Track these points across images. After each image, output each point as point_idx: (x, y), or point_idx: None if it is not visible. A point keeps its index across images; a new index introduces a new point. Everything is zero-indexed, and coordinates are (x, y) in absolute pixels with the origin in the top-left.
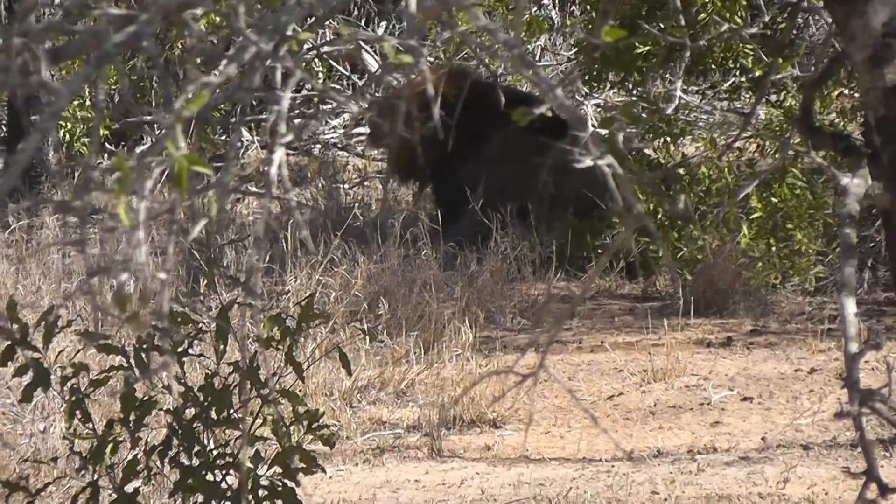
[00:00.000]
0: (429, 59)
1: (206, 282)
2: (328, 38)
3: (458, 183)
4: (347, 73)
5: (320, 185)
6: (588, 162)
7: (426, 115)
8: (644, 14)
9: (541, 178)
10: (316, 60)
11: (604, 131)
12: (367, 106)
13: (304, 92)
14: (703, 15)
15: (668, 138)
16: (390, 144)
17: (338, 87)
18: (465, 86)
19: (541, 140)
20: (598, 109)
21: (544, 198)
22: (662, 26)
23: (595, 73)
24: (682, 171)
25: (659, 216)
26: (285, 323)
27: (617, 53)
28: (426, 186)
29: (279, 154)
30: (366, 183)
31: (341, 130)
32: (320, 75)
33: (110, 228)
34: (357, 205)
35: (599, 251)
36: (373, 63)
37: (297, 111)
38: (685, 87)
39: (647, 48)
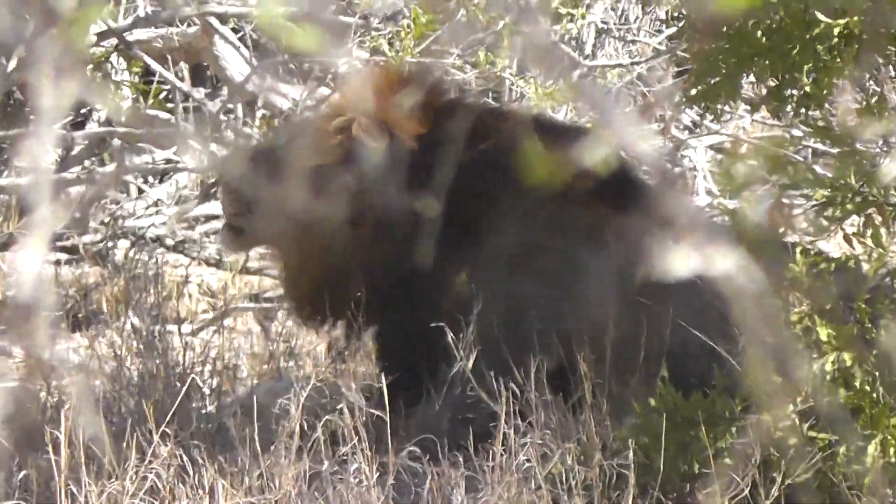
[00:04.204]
0: (362, 48)
1: None
2: (144, 11)
3: (426, 318)
4: (184, 86)
5: (129, 325)
6: (689, 267)
7: (356, 178)
8: None
9: (598, 303)
10: (117, 58)
11: (729, 202)
12: (226, 158)
13: (94, 127)
14: None
15: (879, 214)
16: (279, 241)
17: (165, 114)
18: (445, 111)
19: (596, 221)
20: (720, 155)
21: (607, 346)
22: None
23: (713, 79)
24: None
25: (860, 380)
26: None
27: (764, 36)
28: (360, 328)
29: (34, 262)
30: (227, 322)
31: (172, 210)
32: (126, 90)
33: None
34: (209, 367)
35: (726, 457)
36: (236, 62)
37: (80, 170)
38: None
39: (836, 25)
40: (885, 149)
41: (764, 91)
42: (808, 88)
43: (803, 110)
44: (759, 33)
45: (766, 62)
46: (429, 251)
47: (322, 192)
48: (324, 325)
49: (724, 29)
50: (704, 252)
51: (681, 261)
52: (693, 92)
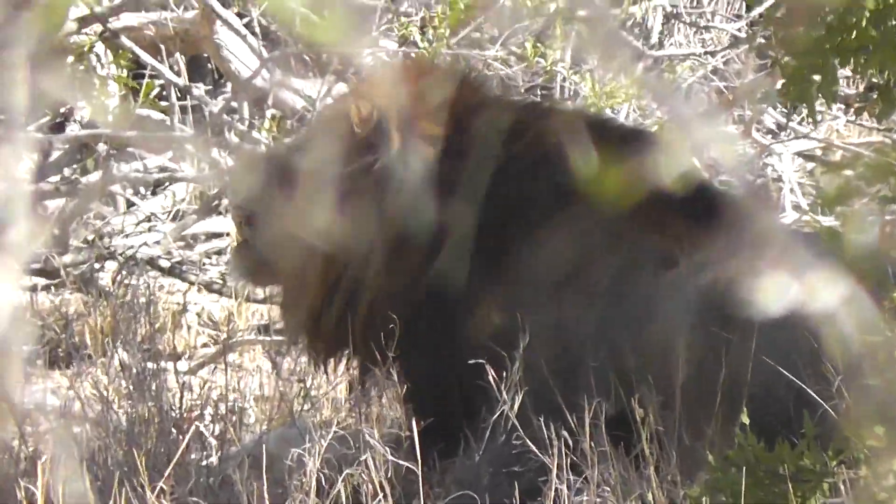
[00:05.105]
0: (389, 38)
1: None
2: None
3: (460, 353)
4: (181, 81)
5: (117, 361)
6: (786, 299)
7: (374, 187)
8: None
9: (666, 338)
10: (102, 50)
11: (829, 220)
12: (229, 168)
13: (76, 129)
14: None
15: None
16: (284, 256)
17: (158, 114)
18: (478, 109)
19: (665, 239)
20: (810, 164)
21: (675, 388)
22: None
23: (810, 76)
24: None
25: None
26: None
27: (871, 25)
28: (384, 365)
29: (8, 293)
30: (231, 358)
31: (167, 226)
32: (113, 86)
33: None
34: (210, 410)
35: None
36: (242, 53)
37: (59, 179)
38: None
39: None
40: None
41: (862, 87)
42: None
43: None
44: (865, 21)
45: (875, 57)
46: (459, 271)
47: (337, 202)
48: (334, 357)
49: (823, 15)
50: (805, 281)
51: (776, 291)
52: (785, 92)
